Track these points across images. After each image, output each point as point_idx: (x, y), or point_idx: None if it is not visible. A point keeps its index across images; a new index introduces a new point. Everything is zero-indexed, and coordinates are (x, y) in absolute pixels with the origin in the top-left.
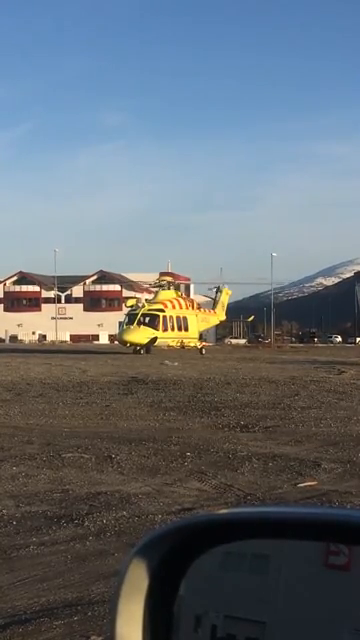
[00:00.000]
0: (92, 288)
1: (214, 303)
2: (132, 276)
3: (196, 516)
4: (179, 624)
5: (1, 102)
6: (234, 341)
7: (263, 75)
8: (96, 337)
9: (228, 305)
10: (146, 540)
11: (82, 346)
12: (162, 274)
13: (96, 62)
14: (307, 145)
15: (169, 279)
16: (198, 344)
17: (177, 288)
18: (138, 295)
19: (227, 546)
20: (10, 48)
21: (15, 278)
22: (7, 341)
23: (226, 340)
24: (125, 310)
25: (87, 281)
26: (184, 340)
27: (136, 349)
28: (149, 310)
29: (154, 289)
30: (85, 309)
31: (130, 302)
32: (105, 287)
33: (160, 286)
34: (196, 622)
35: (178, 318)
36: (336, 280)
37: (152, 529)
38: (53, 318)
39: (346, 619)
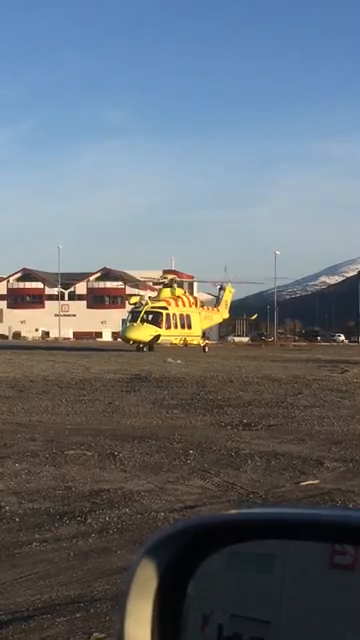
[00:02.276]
0: (95, 285)
1: (217, 301)
2: (135, 273)
3: (203, 517)
4: (187, 623)
5: (3, 100)
6: (237, 339)
7: (264, 74)
8: (99, 334)
9: (231, 303)
10: (155, 540)
11: (85, 343)
12: (165, 272)
13: (98, 60)
14: (309, 144)
15: (172, 277)
16: (201, 342)
17: (180, 286)
18: (141, 292)
19: (234, 547)
20: (12, 46)
21: (19, 275)
22: (10, 338)
23: (229, 338)
24: (128, 307)
25: (90, 278)
26: (187, 338)
27: (139, 347)
28: (152, 308)
29: (157, 287)
30: (88, 306)
31: (133, 299)
32: (108, 284)
33: (163, 284)
34: (203, 621)
35: (181, 316)
36: (340, 279)
37: (160, 529)
38: (56, 315)
39: (351, 619)
